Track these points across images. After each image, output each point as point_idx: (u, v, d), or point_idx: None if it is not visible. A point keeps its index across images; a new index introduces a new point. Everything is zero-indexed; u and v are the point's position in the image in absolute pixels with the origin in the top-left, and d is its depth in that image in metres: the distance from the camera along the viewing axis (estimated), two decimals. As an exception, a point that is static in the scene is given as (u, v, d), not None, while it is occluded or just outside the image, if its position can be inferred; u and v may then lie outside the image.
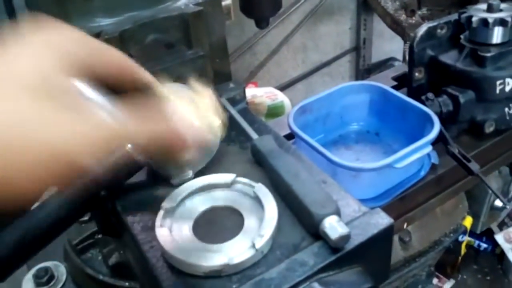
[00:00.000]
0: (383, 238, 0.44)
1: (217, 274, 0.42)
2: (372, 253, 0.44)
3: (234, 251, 0.43)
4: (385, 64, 2.41)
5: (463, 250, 1.00)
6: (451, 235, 0.92)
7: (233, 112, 0.58)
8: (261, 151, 0.50)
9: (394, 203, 0.81)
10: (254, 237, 0.43)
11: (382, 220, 0.44)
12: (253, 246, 0.42)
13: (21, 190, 0.31)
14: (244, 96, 0.66)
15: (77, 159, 0.32)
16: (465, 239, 0.99)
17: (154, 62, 0.70)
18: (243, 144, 0.56)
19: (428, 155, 0.84)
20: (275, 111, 1.34)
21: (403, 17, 1.78)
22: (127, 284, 0.66)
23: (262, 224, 0.44)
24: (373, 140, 0.93)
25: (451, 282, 1.83)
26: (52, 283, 0.71)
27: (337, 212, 0.43)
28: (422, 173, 0.84)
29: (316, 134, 0.91)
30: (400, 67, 1.14)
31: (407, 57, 1.02)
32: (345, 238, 0.41)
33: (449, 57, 0.91)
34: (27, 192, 0.32)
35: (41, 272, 0.71)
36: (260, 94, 1.36)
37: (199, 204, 0.48)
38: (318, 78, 2.47)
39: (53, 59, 0.35)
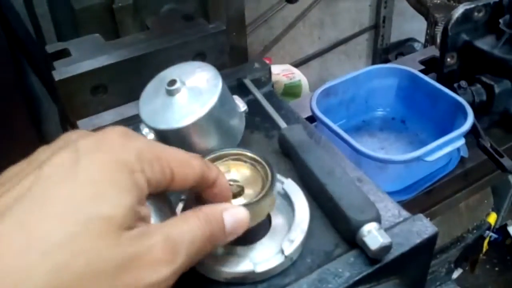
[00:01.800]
0: (425, 248, 0.40)
1: (240, 282, 0.37)
2: (412, 264, 0.40)
3: (260, 256, 0.38)
4: (404, 44, 2.33)
5: (485, 247, 0.96)
6: (474, 231, 0.88)
7: (259, 96, 0.53)
8: (290, 142, 0.45)
9: (420, 196, 0.77)
10: (283, 241, 0.38)
11: (426, 228, 0.40)
12: (282, 252, 0.38)
13: None
14: (270, 78, 0.61)
15: None
16: (489, 235, 0.95)
17: (173, 36, 0.65)
18: (268, 132, 0.51)
19: (458, 147, 0.79)
20: (292, 91, 1.29)
21: (428, -4, 1.70)
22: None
23: (292, 226, 0.39)
24: (398, 128, 0.88)
25: (459, 271, 1.80)
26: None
27: (378, 219, 0.38)
28: (450, 167, 0.79)
29: (339, 119, 0.86)
30: (428, 50, 1.08)
31: (437, 40, 0.96)
32: (386, 248, 0.37)
33: (485, 43, 0.85)
34: None
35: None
36: (276, 72, 1.29)
37: None
38: (334, 56, 2.39)
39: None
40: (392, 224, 0.41)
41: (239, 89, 0.56)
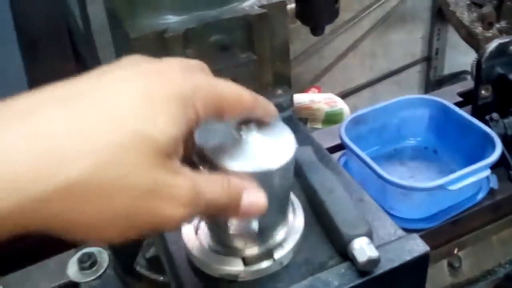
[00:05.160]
0: (416, 267, 0.42)
1: (234, 279, 0.41)
2: (404, 281, 0.42)
3: (252, 256, 0.42)
4: (457, 77, 2.30)
5: (519, 283, 0.94)
6: (507, 266, 0.86)
7: (277, 119, 0.57)
8: (298, 162, 0.49)
9: (446, 226, 0.77)
10: (275, 245, 0.42)
11: (418, 247, 0.42)
12: (272, 255, 0.41)
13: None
14: (291, 104, 0.65)
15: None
16: (523, 271, 0.92)
17: (209, 63, 0.70)
18: (283, 153, 0.55)
19: (487, 178, 0.79)
20: (333, 118, 1.32)
21: (479, 29, 1.69)
22: (161, 278, 0.67)
23: (286, 234, 0.43)
24: (430, 157, 0.89)
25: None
26: (94, 268, 0.74)
27: (369, 234, 0.41)
28: (479, 197, 0.79)
29: (370, 146, 0.88)
30: (469, 83, 1.08)
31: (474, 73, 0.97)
32: (374, 262, 0.39)
33: (520, 77, 0.85)
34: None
35: (85, 256, 0.74)
36: (318, 99, 1.33)
37: None
38: (385, 87, 2.40)
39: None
40: (386, 242, 0.43)
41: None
